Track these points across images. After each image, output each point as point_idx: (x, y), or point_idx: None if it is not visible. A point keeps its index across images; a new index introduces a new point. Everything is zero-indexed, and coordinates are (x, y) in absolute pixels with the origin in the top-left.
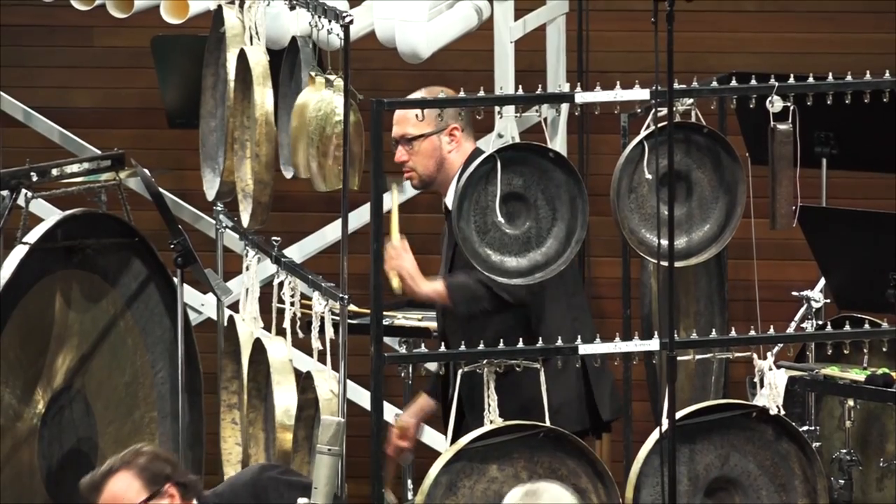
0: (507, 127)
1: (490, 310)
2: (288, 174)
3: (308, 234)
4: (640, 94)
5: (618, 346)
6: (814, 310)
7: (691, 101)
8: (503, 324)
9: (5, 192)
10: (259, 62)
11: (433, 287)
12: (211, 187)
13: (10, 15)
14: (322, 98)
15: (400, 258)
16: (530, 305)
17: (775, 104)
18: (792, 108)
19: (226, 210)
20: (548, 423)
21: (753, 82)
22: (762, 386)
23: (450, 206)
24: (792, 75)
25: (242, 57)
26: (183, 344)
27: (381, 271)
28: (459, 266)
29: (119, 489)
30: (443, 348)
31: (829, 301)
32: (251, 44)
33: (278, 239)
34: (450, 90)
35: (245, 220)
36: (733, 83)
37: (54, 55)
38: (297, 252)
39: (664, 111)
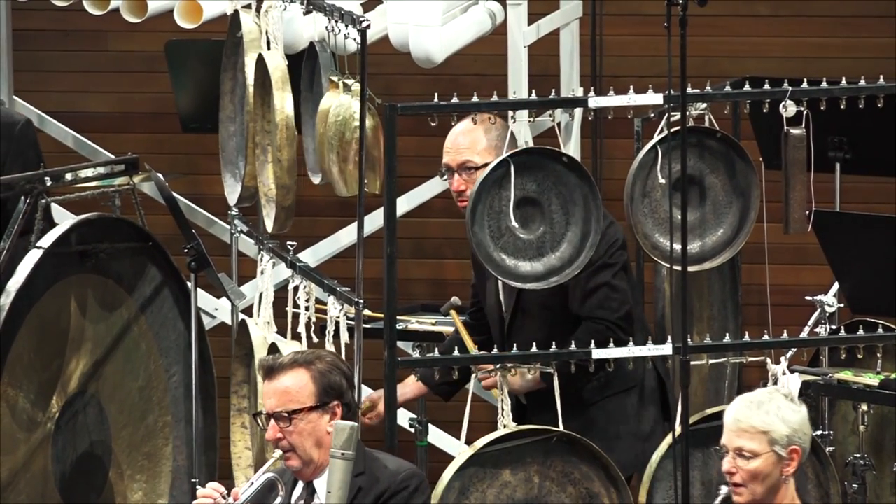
0: (521, 131)
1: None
2: (315, 179)
3: (322, 239)
4: (653, 98)
5: (631, 351)
6: (827, 314)
7: (705, 105)
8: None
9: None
10: (278, 67)
11: (533, 380)
12: (232, 192)
13: (24, 19)
14: (341, 103)
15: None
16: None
17: (789, 109)
18: (805, 112)
19: (240, 214)
20: (561, 428)
21: (767, 87)
22: None
23: None
24: (805, 80)
25: (261, 62)
26: (197, 348)
27: (395, 275)
28: (527, 299)
29: (293, 385)
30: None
31: (842, 305)
32: (268, 48)
33: (293, 243)
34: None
35: (269, 224)
36: (747, 88)
37: (68, 60)
38: (312, 256)
39: (677, 116)
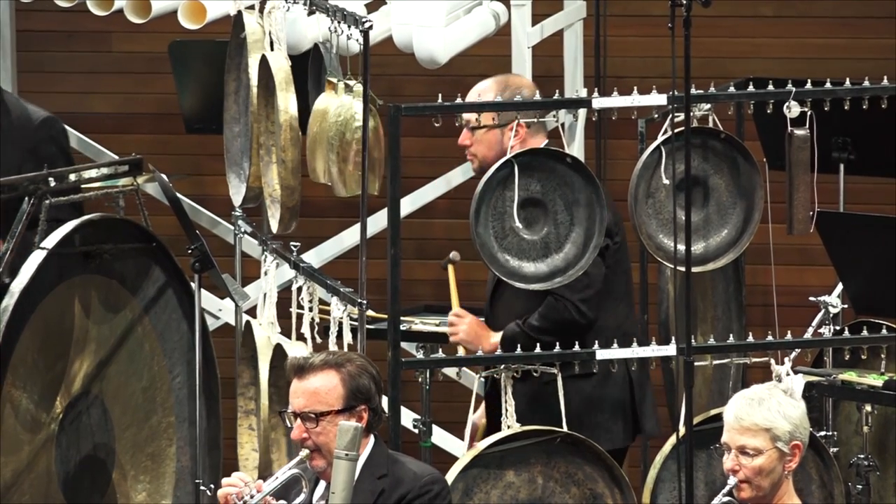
0: None
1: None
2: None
3: (326, 239)
4: (657, 99)
5: (635, 352)
6: (831, 315)
7: (708, 106)
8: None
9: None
10: (281, 67)
11: (492, 344)
12: (237, 193)
13: (28, 21)
14: (342, 104)
15: (458, 326)
16: (586, 332)
17: (792, 109)
18: (809, 113)
19: (244, 215)
20: (565, 429)
21: (771, 88)
22: None
23: None
24: (809, 80)
25: (264, 62)
26: (200, 349)
27: (399, 276)
28: (504, 284)
29: (322, 387)
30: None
31: (846, 306)
32: (272, 49)
33: (297, 244)
34: (527, 83)
35: (273, 225)
36: (750, 88)
37: (72, 61)
38: (316, 257)
39: (681, 116)
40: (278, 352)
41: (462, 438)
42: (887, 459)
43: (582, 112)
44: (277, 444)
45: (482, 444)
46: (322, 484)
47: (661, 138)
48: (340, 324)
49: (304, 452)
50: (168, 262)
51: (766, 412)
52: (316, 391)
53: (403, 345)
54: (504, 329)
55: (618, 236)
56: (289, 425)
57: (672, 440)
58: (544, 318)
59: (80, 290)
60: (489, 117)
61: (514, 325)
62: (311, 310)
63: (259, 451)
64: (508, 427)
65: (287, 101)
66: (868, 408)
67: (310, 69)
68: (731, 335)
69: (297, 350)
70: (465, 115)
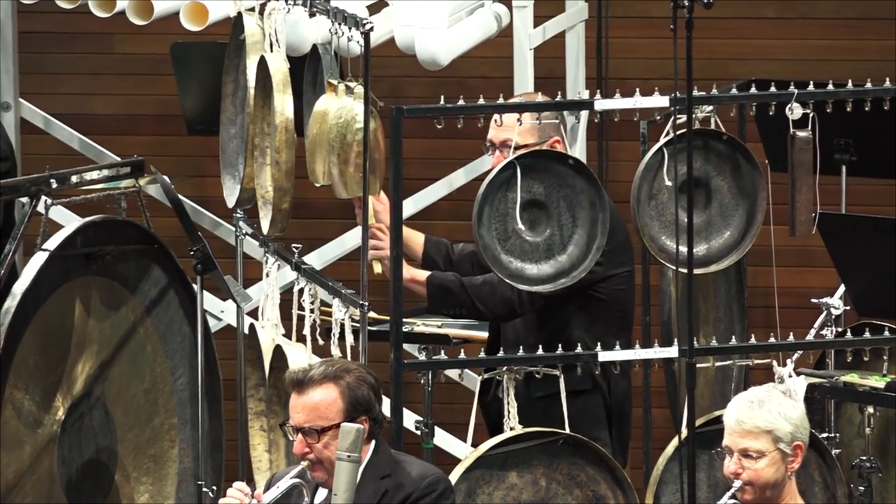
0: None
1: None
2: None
3: (328, 241)
4: (659, 101)
5: (637, 353)
6: (833, 317)
7: (711, 107)
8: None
9: (25, 199)
10: (279, 69)
11: (414, 276)
12: (231, 194)
13: (30, 22)
14: (343, 105)
15: (382, 241)
16: (510, 320)
17: (795, 111)
18: (811, 114)
19: (246, 217)
20: (567, 430)
21: (773, 89)
22: None
23: None
24: (811, 82)
25: (262, 64)
26: (202, 351)
27: (401, 277)
28: None
29: (322, 401)
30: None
31: (848, 308)
32: (271, 51)
33: (298, 245)
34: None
35: (265, 226)
36: (753, 90)
37: (74, 62)
38: (317, 259)
39: (683, 118)
40: (278, 353)
41: (465, 440)
42: (889, 461)
43: (584, 114)
44: (276, 444)
45: (485, 446)
46: (322, 491)
47: (663, 140)
48: (342, 325)
49: (304, 463)
50: (170, 264)
51: (767, 414)
52: (316, 406)
53: (405, 346)
54: (437, 274)
55: (623, 257)
56: (290, 439)
57: (674, 442)
58: (487, 284)
59: (81, 291)
60: (530, 136)
61: (452, 275)
62: (312, 312)
63: (272, 453)
64: (511, 429)
65: (284, 103)
66: (870, 409)
67: (306, 70)
68: (733, 337)
69: (296, 351)
70: (498, 136)
